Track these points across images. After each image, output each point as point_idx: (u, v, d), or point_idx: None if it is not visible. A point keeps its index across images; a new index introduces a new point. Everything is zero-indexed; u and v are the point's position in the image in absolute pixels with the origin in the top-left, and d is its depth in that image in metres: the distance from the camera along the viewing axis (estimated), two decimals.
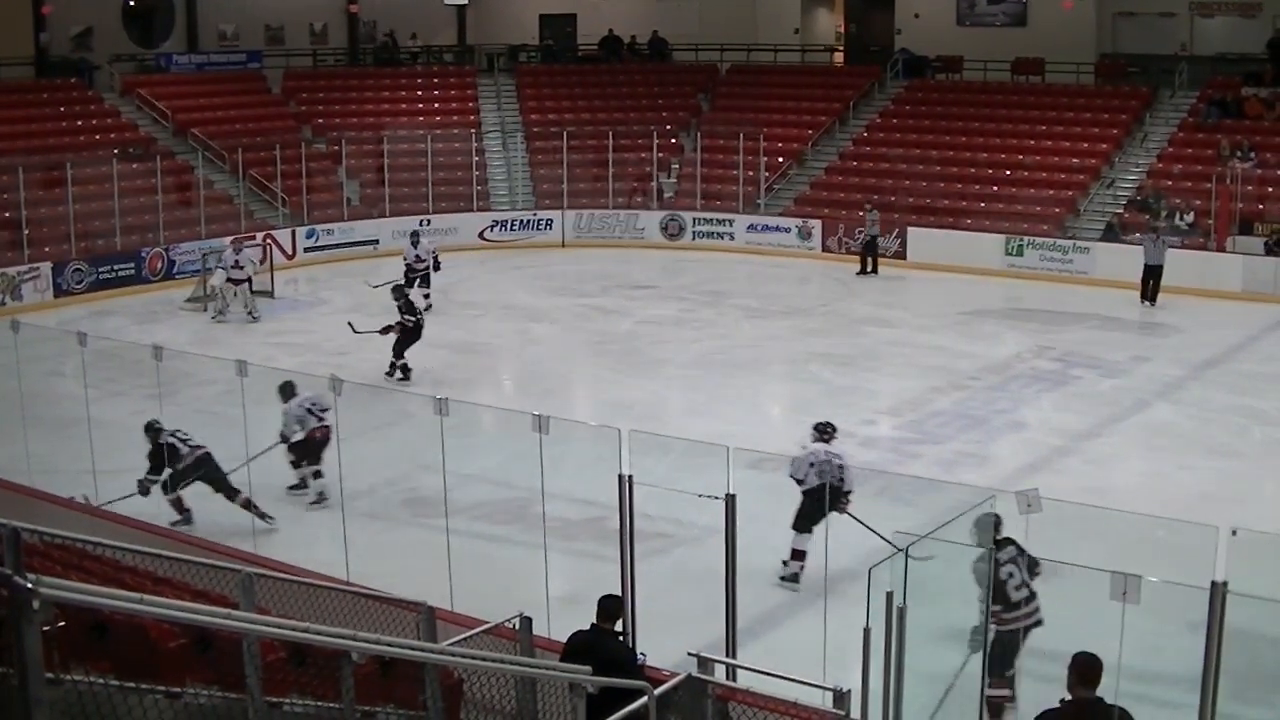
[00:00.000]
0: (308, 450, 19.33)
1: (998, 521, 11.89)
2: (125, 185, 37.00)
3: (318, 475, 19.25)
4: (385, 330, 25.02)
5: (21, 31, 41.53)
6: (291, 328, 30.48)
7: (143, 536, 14.56)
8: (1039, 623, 12.47)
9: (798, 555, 15.97)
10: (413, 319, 25.29)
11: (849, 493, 15.94)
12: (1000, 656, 12.07)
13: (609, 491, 14.18)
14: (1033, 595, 12.47)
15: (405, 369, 25.50)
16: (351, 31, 49.69)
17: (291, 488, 19.70)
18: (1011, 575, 12.29)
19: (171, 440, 18.31)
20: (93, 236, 35.70)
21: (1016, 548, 12.24)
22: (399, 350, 25.39)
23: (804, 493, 16.05)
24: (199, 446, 18.45)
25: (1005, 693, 12.18)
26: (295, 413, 19.28)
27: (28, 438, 19.67)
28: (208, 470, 18.38)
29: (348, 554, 15.34)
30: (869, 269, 35.96)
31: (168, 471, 18.14)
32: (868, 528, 14.87)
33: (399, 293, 25.85)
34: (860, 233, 36.80)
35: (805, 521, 15.95)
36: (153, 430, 18.47)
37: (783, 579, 16.00)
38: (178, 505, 18.34)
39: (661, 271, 37.02)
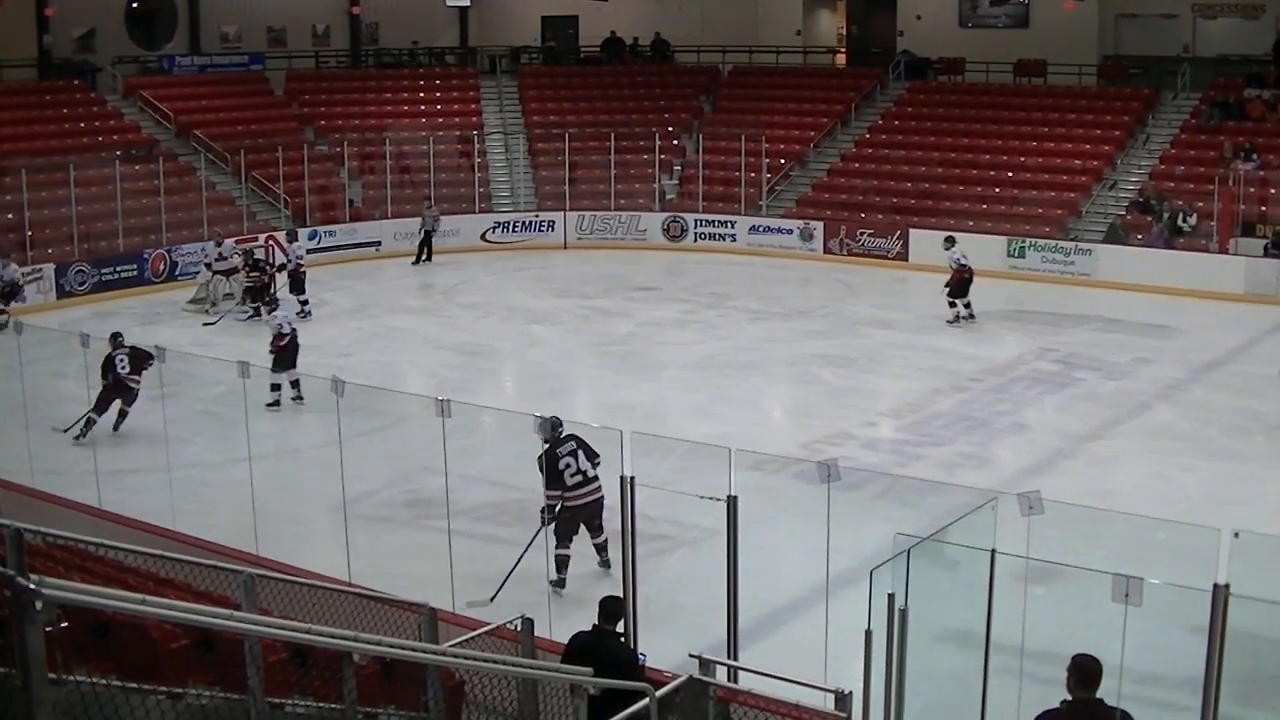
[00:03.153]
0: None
1: (557, 422, 15.65)
2: (128, 187, 37.06)
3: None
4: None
5: (25, 33, 41.56)
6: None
7: (145, 538, 14.57)
8: (599, 500, 15.62)
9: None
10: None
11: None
12: (563, 529, 15.59)
13: (610, 493, 14.23)
14: (590, 479, 15.57)
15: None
16: (354, 33, 49.69)
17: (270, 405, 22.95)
18: (568, 465, 15.45)
19: (120, 360, 21.73)
20: (95, 238, 35.72)
21: (576, 441, 15.61)
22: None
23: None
24: (136, 382, 21.73)
25: (565, 553, 15.64)
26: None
27: (30, 439, 19.69)
28: (125, 398, 21.80)
29: (349, 555, 15.35)
30: None
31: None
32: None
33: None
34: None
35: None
36: (115, 341, 22.00)
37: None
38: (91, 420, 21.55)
39: (663, 273, 37.03)
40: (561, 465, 15.46)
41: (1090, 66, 42.05)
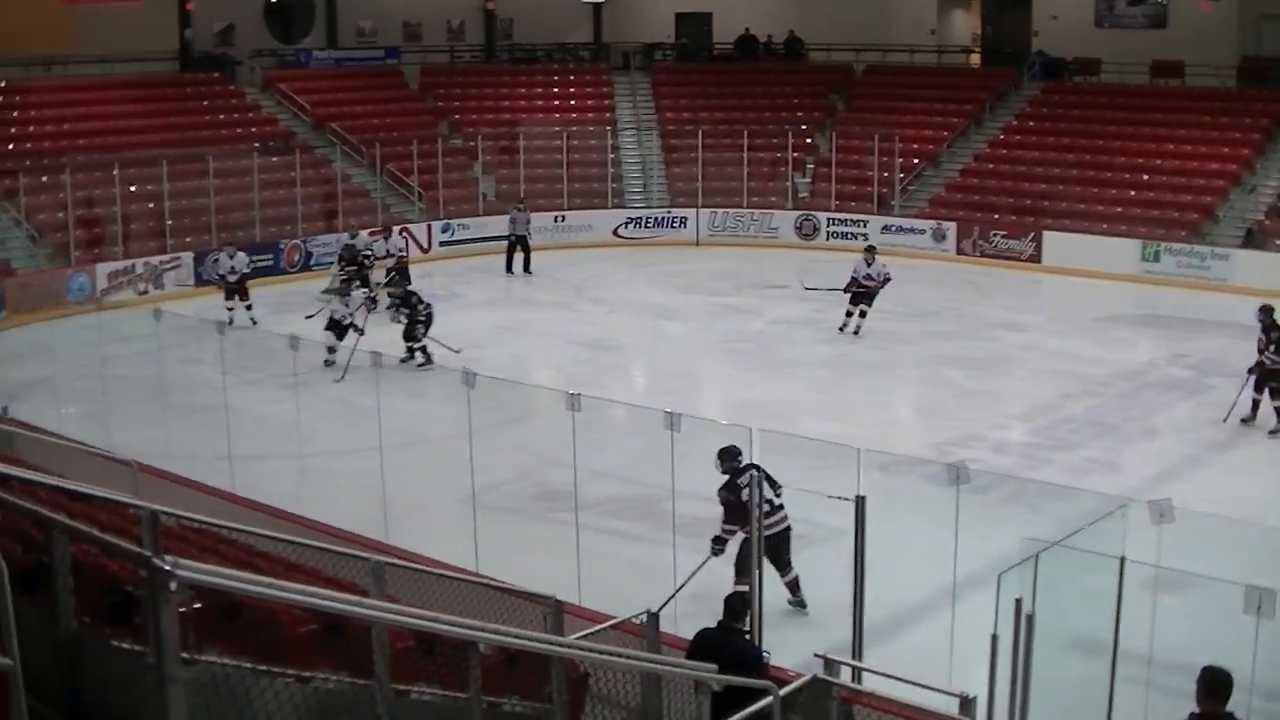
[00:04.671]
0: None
1: (736, 451, 14.73)
2: (265, 178, 37.64)
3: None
4: None
5: (167, 27, 42.30)
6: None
7: (276, 523, 14.72)
8: (787, 530, 15.03)
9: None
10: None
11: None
12: (745, 563, 14.29)
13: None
14: (776, 508, 14.85)
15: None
16: (488, 28, 49.97)
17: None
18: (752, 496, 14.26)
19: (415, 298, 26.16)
20: (233, 228, 36.20)
21: (757, 470, 14.23)
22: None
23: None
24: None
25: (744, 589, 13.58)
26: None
27: (167, 423, 19.99)
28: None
29: (477, 546, 15.44)
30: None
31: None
32: None
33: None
34: None
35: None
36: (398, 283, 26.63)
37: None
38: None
39: (794, 271, 36.88)
40: (744, 496, 14.61)
41: (1229, 68, 41.15)
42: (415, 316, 26.65)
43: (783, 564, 15.17)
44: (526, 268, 36.68)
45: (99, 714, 6.60)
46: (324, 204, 38.64)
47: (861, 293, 29.10)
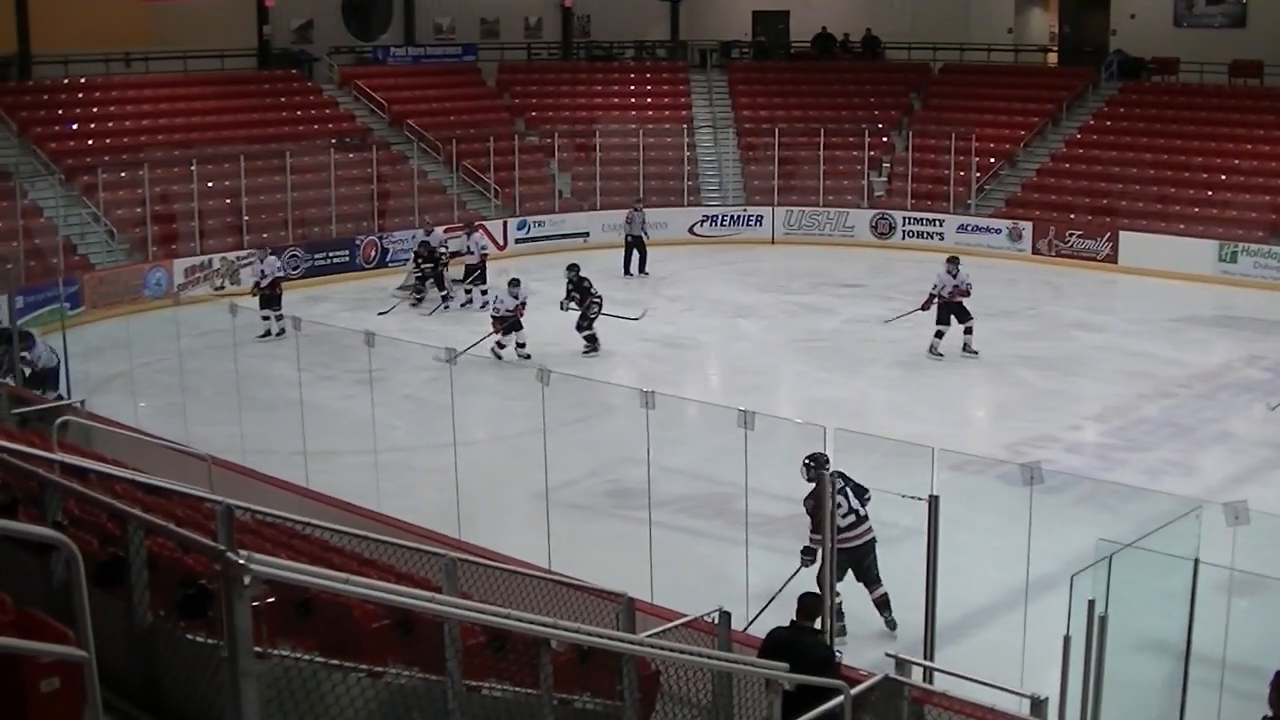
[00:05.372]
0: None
1: (824, 459, 14.51)
2: (341, 174, 37.86)
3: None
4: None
5: (246, 24, 42.66)
6: None
7: (350, 518, 14.80)
8: (872, 541, 14.72)
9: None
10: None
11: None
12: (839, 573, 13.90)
13: (806, 485, 14.18)
14: (862, 519, 14.69)
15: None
16: (565, 26, 50.05)
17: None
18: (839, 505, 14.23)
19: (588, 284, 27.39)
20: (309, 224, 36.46)
21: (843, 478, 14.45)
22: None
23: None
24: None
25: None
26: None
27: (243, 418, 20.12)
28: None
29: (550, 543, 15.47)
30: None
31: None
32: None
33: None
34: None
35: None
36: (572, 270, 27.75)
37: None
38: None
39: (870, 270, 36.81)
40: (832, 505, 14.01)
41: None
42: (589, 311, 27.49)
43: (871, 579, 14.89)
44: (642, 268, 36.44)
45: (173, 706, 6.65)
46: (400, 201, 38.81)
47: (950, 307, 27.01)
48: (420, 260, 32.33)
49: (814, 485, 14.47)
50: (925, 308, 27.33)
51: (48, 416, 15.42)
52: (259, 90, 41.78)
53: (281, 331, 27.85)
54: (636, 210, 37.14)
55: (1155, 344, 28.40)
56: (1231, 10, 44.30)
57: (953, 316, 26.95)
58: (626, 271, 36.26)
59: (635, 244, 36.60)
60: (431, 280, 32.14)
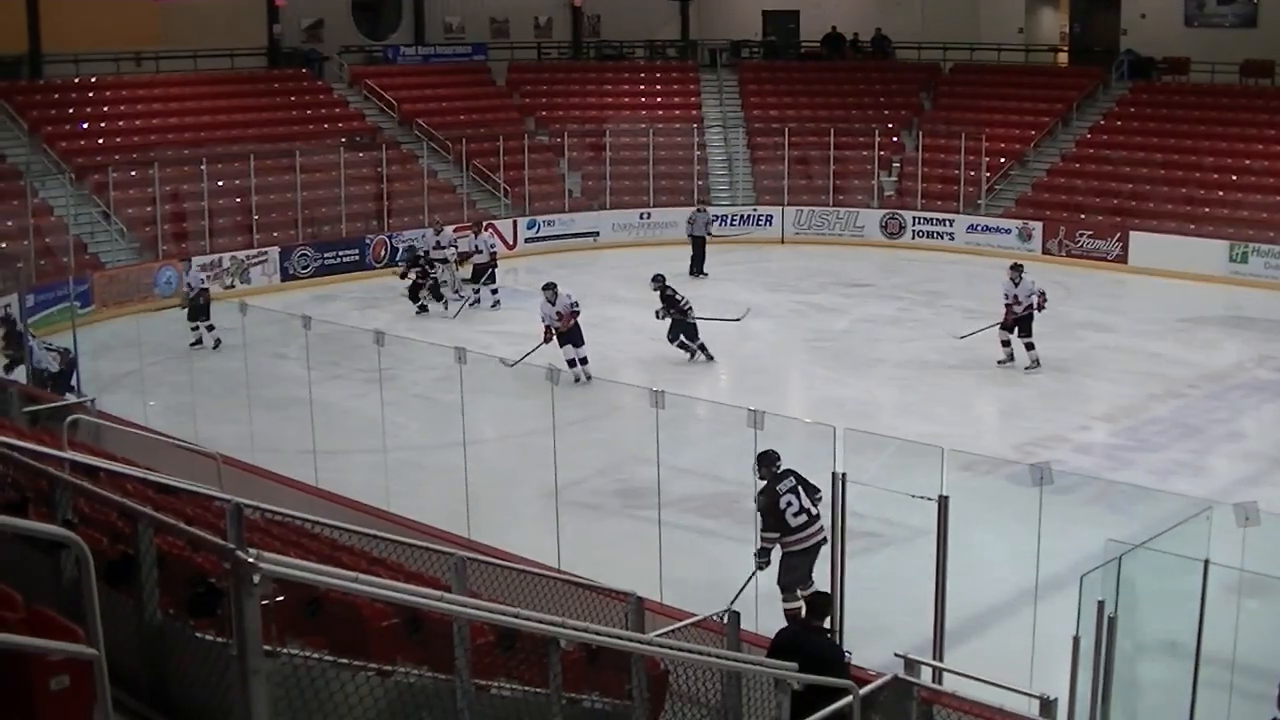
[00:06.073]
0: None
1: (774, 456, 14.48)
2: (351, 173, 37.91)
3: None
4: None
5: (256, 23, 42.65)
6: (511, 317, 30.65)
7: (359, 517, 14.81)
8: (824, 540, 14.07)
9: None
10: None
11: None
12: (790, 576, 14.42)
13: (821, 489, 14.16)
14: (814, 518, 14.37)
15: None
16: (575, 25, 50.06)
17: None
18: (790, 504, 14.32)
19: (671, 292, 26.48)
20: (319, 223, 36.50)
21: (795, 477, 14.41)
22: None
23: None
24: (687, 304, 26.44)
25: (797, 605, 13.45)
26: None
27: (252, 417, 20.14)
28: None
29: (559, 542, 15.47)
30: None
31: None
32: None
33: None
34: None
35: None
36: (658, 281, 26.76)
37: None
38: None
39: (879, 270, 36.81)
40: (783, 504, 14.39)
41: None
42: (685, 319, 26.67)
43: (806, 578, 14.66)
44: (699, 268, 35.96)
45: (182, 704, 6.67)
46: (410, 200, 38.83)
47: (1022, 318, 25.94)
48: (403, 274, 32.27)
49: (764, 483, 14.56)
50: (1006, 325, 26.11)
51: (58, 415, 15.46)
52: (269, 89, 41.84)
53: (217, 342, 27.46)
54: (700, 211, 37.07)
55: (1165, 344, 28.36)
56: (1243, 10, 44.17)
57: (1017, 326, 26.01)
58: (691, 273, 35.51)
59: (696, 244, 36.16)
60: (427, 290, 31.86)
